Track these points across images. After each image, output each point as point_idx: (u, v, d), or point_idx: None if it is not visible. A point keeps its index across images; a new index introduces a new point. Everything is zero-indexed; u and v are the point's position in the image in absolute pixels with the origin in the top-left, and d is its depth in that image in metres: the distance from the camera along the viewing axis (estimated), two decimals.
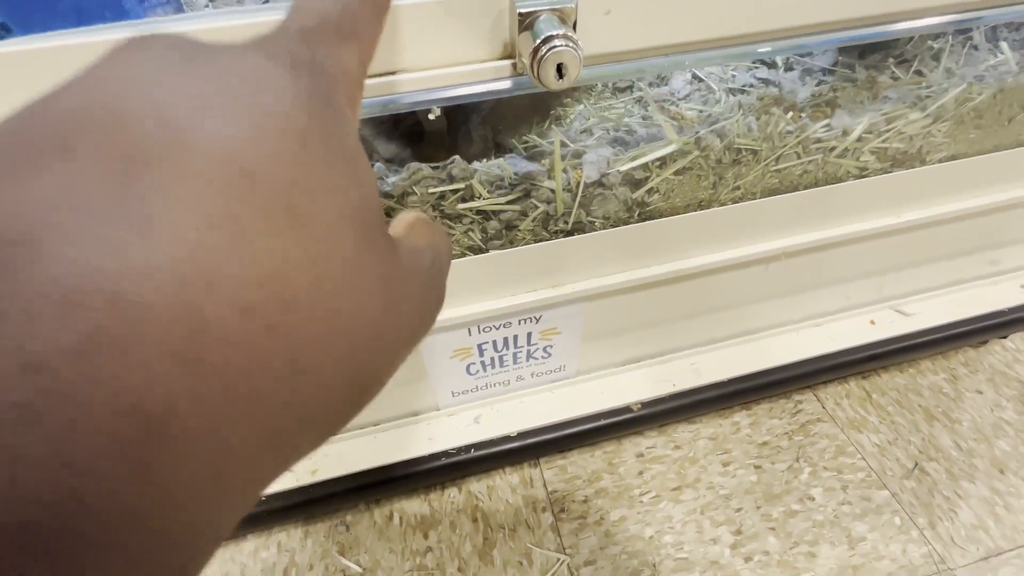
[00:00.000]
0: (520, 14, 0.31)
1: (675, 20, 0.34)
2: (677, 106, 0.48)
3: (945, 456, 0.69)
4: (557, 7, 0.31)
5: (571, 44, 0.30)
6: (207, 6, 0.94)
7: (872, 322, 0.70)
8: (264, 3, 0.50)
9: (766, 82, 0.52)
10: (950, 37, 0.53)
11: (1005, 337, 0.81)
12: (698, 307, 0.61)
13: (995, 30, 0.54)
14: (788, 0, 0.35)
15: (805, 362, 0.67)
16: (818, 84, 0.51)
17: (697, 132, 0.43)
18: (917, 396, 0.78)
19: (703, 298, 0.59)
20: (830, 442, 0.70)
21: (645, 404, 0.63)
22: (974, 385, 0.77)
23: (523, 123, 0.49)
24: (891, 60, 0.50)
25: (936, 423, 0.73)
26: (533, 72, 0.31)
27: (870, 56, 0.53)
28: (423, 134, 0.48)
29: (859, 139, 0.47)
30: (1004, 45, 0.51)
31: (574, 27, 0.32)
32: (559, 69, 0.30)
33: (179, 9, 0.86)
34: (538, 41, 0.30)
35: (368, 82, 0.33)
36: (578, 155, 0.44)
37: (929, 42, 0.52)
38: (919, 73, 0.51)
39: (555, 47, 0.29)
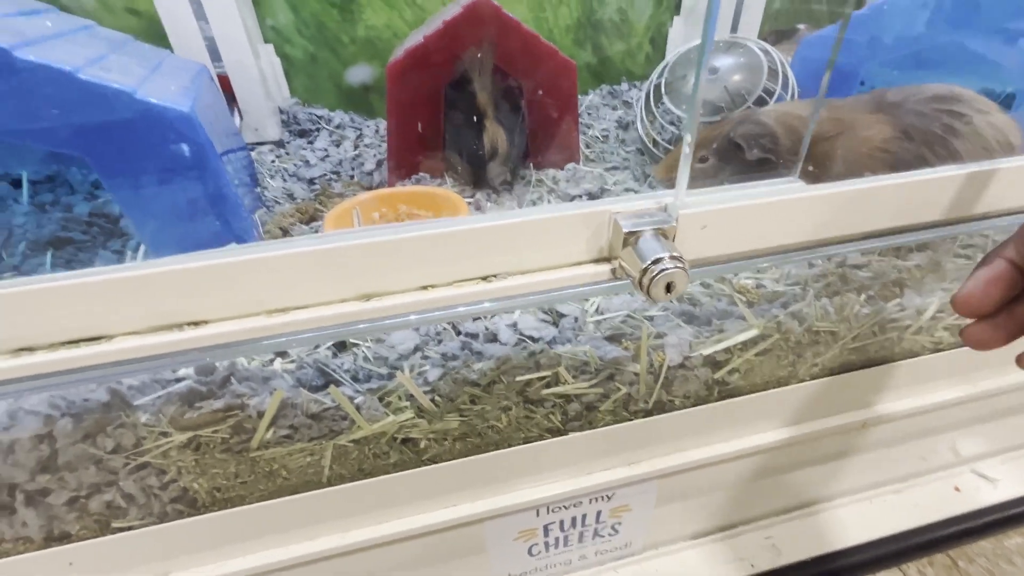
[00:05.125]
0: (625, 233, 0.33)
1: (760, 231, 0.36)
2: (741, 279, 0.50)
3: None
4: (660, 226, 0.33)
5: (680, 265, 0.31)
6: (274, 162, 1.04)
7: (957, 488, 0.65)
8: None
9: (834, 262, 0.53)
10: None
11: None
12: (775, 477, 0.56)
13: None
14: (860, 212, 0.37)
15: (889, 539, 0.61)
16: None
17: (777, 316, 0.43)
18: (1008, 565, 0.70)
19: (780, 468, 0.55)
20: None
21: None
22: None
23: None
24: (956, 245, 0.52)
25: None
26: (642, 288, 0.32)
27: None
28: None
29: (932, 317, 0.48)
30: None
31: (673, 238, 0.34)
32: (668, 287, 0.31)
33: (252, 172, 0.94)
34: (648, 262, 0.31)
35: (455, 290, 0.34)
36: (659, 336, 0.44)
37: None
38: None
39: (665, 269, 0.31)
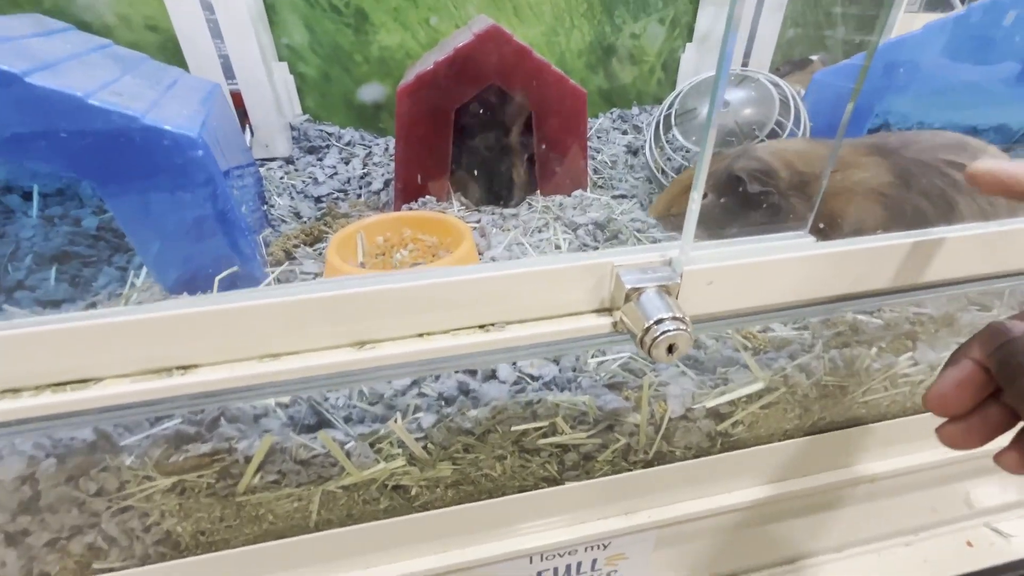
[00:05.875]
0: (628, 289, 0.32)
1: (769, 287, 0.35)
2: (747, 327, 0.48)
3: None
4: (664, 283, 0.32)
5: (683, 327, 0.30)
6: (283, 179, 1.04)
7: (969, 543, 0.62)
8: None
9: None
10: None
11: None
12: (778, 527, 0.54)
13: None
14: (874, 270, 0.36)
15: None
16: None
17: (784, 369, 0.42)
18: None
19: (784, 518, 0.53)
20: None
21: None
22: None
23: None
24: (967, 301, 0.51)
25: None
26: (643, 347, 0.30)
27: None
28: None
29: None
30: None
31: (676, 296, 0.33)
32: (670, 348, 0.30)
33: (260, 189, 0.95)
34: (650, 321, 0.30)
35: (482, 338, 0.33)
36: (661, 384, 0.42)
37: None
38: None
39: (667, 331, 0.29)
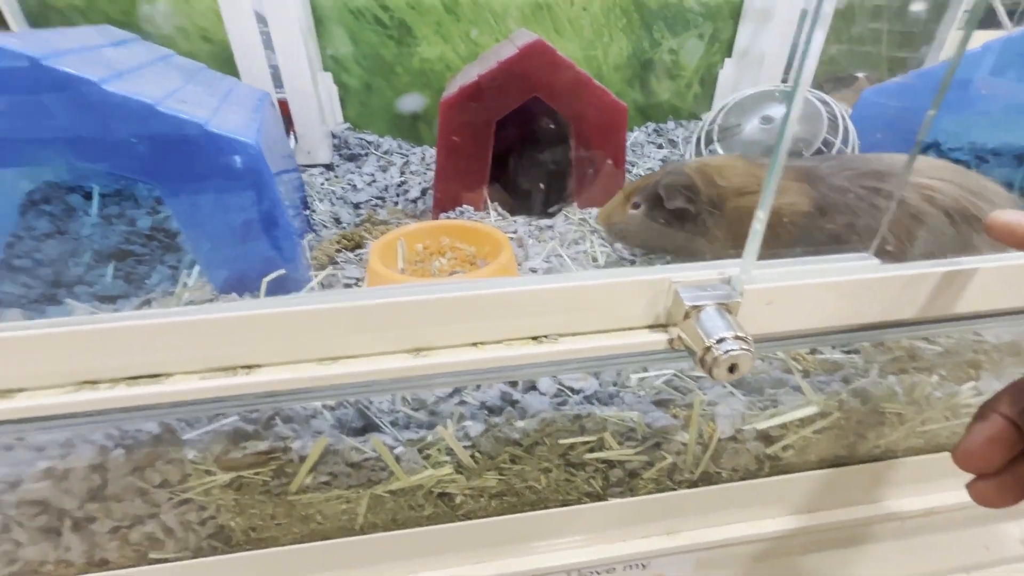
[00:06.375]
0: (688, 306, 0.32)
1: (830, 309, 0.34)
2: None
3: None
4: (724, 301, 0.32)
5: (746, 347, 0.29)
6: (323, 184, 1.07)
7: None
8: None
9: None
10: None
11: None
12: (825, 555, 0.53)
13: None
14: (941, 295, 0.35)
15: None
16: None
17: (839, 394, 0.41)
18: None
19: (832, 546, 0.52)
20: None
21: None
22: None
23: None
24: None
25: None
26: (703, 366, 0.30)
27: None
28: None
29: None
30: None
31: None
32: (731, 368, 0.30)
33: (302, 194, 0.97)
34: (712, 340, 0.30)
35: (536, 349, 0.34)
36: (709, 404, 0.42)
37: None
38: None
39: (731, 350, 0.29)
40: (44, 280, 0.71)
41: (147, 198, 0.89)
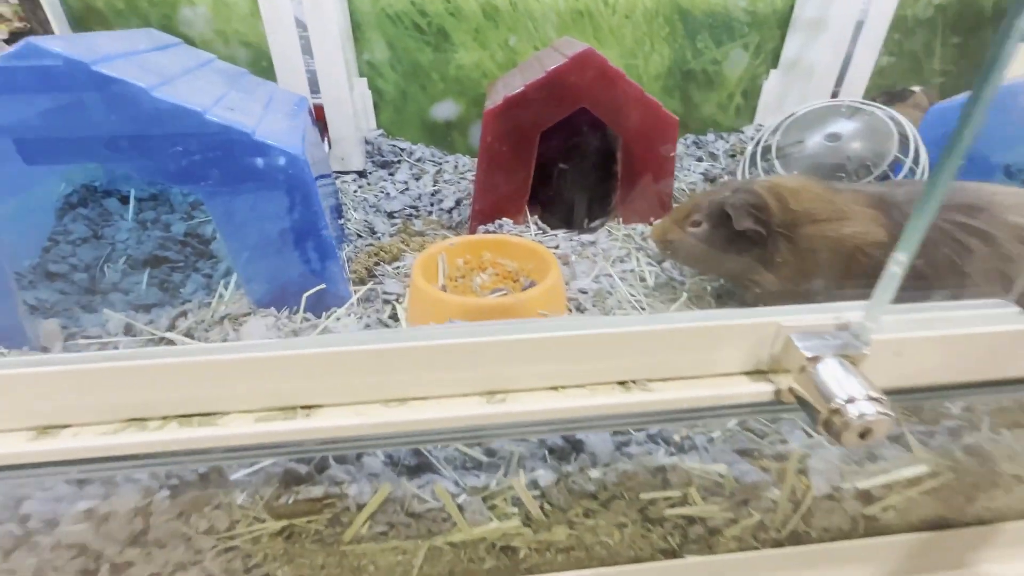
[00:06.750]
0: (808, 357, 0.28)
1: (966, 362, 0.30)
2: None
3: None
4: (847, 353, 0.28)
5: (883, 410, 0.25)
6: (356, 192, 1.05)
7: None
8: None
9: None
10: None
11: None
12: None
13: None
14: None
15: None
16: None
17: (952, 452, 0.37)
18: None
19: None
20: None
21: None
22: None
23: None
24: None
25: None
26: (827, 428, 0.26)
27: None
28: None
29: None
30: None
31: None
32: (863, 434, 0.26)
33: (338, 202, 0.95)
34: (839, 400, 0.26)
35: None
36: (801, 458, 0.37)
37: None
38: None
39: (865, 415, 0.25)
40: (80, 286, 0.70)
41: (182, 203, 0.87)
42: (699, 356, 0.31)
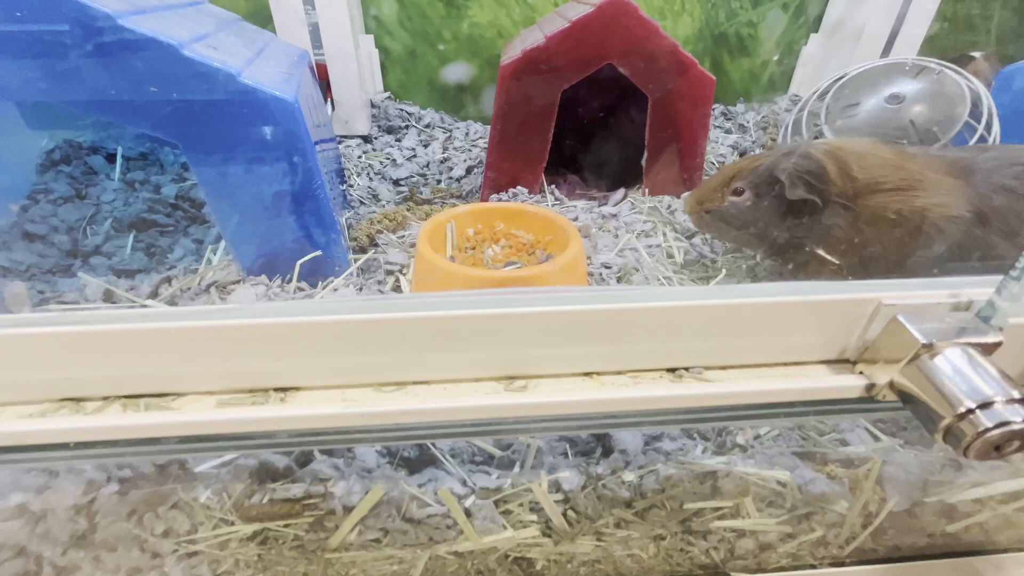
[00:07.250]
0: (921, 345, 0.21)
1: None
2: None
3: None
4: (975, 340, 0.22)
5: None
6: (360, 158, 0.99)
7: None
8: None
9: None
10: None
11: None
12: None
13: None
14: None
15: None
16: None
17: None
18: None
19: None
20: None
21: None
22: None
23: None
24: None
25: None
26: (953, 437, 0.20)
27: None
28: None
29: None
30: None
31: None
32: (999, 447, 0.20)
33: (340, 167, 0.89)
34: (970, 405, 0.20)
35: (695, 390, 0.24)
36: (863, 462, 0.31)
37: None
38: None
39: (1010, 424, 0.19)
40: (59, 248, 0.65)
41: (173, 164, 0.81)
42: (769, 340, 0.25)
